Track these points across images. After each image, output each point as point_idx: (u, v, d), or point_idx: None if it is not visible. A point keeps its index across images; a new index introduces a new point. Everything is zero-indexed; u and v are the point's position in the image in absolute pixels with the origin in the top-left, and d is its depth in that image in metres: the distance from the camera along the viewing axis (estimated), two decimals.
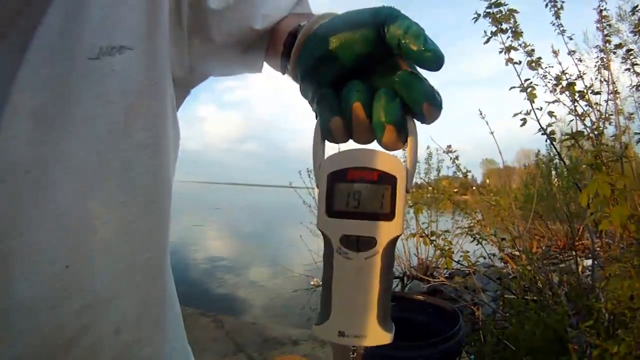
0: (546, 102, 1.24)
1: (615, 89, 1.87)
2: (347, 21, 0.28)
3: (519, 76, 1.26)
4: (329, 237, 0.27)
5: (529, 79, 1.24)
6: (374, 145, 0.28)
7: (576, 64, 2.07)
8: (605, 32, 1.91)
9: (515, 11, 1.40)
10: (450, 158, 2.64)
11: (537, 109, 1.24)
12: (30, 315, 0.25)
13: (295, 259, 5.09)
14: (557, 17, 2.02)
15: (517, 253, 2.01)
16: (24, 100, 0.25)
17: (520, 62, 1.26)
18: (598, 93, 1.42)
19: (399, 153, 0.29)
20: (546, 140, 1.17)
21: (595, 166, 0.77)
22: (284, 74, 0.37)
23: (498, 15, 1.30)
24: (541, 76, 1.77)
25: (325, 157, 0.28)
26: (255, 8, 0.40)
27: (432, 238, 1.53)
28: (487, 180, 4.51)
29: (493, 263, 2.26)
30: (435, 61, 0.25)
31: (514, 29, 1.27)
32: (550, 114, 1.22)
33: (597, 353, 1.05)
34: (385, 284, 0.26)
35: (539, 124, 1.22)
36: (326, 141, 0.28)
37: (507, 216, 1.67)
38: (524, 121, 1.25)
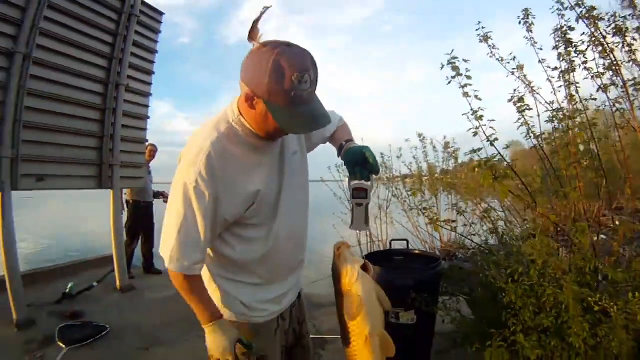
0: (489, 120, 1.93)
1: (572, 93, 2.42)
2: (356, 150, 1.08)
3: (471, 107, 1.96)
4: (353, 203, 1.07)
5: (477, 108, 1.93)
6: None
7: (545, 70, 2.59)
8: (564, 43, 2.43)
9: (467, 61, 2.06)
10: (449, 152, 3.31)
11: (484, 124, 1.93)
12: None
13: (330, 248, 5.64)
14: (529, 30, 2.49)
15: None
16: (285, 178, 1.03)
17: (472, 96, 1.94)
18: (530, 109, 2.07)
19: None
20: (489, 143, 1.86)
21: (487, 166, 1.50)
22: (338, 157, 1.16)
23: (456, 64, 1.99)
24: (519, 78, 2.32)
25: (351, 183, 1.08)
26: (327, 128, 1.17)
27: (426, 214, 2.20)
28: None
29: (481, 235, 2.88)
30: (377, 172, 1.06)
31: (467, 74, 1.96)
32: (492, 128, 1.92)
33: (506, 297, 1.68)
34: (366, 213, 1.09)
35: (485, 134, 1.93)
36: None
37: (480, 194, 2.30)
38: (475, 133, 1.94)
